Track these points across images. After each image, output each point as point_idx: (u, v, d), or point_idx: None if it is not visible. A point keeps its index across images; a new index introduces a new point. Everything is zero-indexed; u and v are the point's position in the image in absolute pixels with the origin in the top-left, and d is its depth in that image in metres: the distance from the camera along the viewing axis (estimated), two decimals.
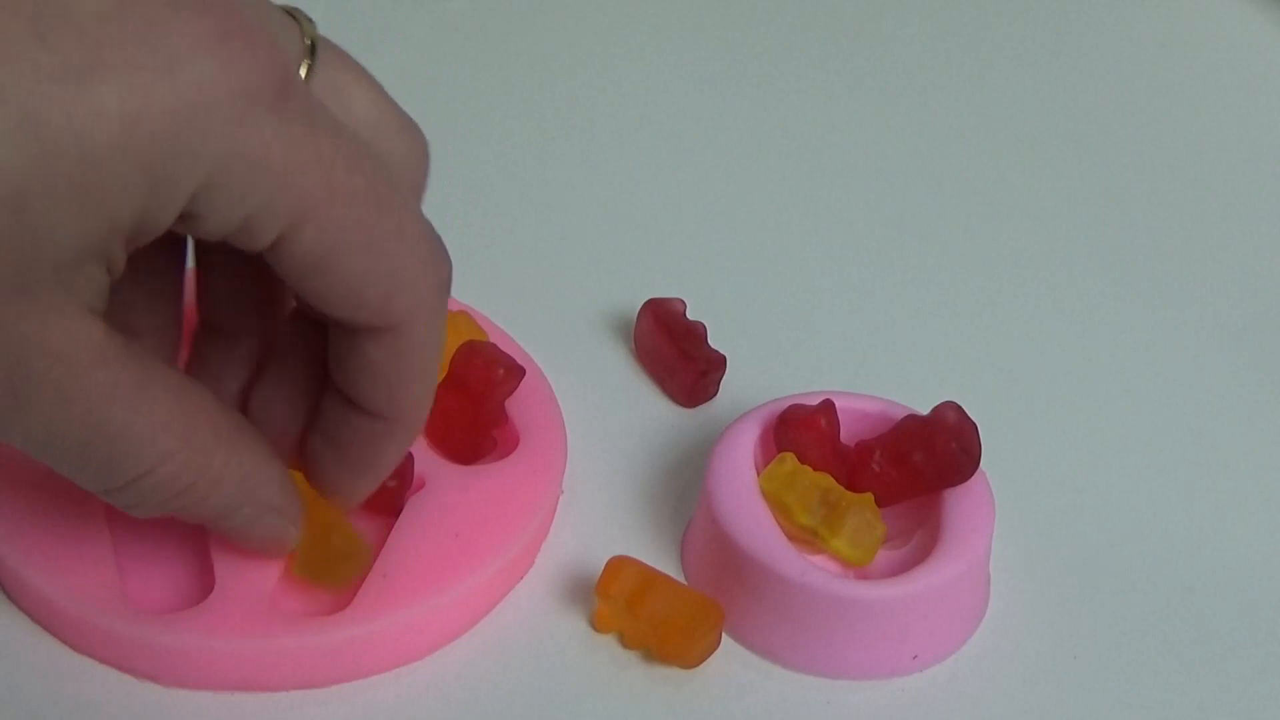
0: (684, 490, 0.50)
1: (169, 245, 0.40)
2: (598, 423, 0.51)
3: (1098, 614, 0.48)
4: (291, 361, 0.42)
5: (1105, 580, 0.49)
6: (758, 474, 0.47)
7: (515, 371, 0.48)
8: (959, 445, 0.46)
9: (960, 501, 0.46)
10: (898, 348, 0.55)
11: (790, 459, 0.46)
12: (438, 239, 0.39)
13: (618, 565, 0.45)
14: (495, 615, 0.46)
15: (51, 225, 0.33)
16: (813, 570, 0.45)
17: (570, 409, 0.50)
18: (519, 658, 0.45)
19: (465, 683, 0.44)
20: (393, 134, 0.41)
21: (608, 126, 0.64)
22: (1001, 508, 0.47)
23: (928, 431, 0.46)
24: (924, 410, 0.47)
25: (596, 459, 0.50)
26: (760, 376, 0.53)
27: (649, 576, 0.45)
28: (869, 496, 0.46)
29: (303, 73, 0.39)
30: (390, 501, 0.46)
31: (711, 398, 0.53)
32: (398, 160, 0.41)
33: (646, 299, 0.54)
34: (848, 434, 0.48)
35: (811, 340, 0.55)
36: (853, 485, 0.47)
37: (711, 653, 0.45)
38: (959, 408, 0.47)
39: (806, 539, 0.46)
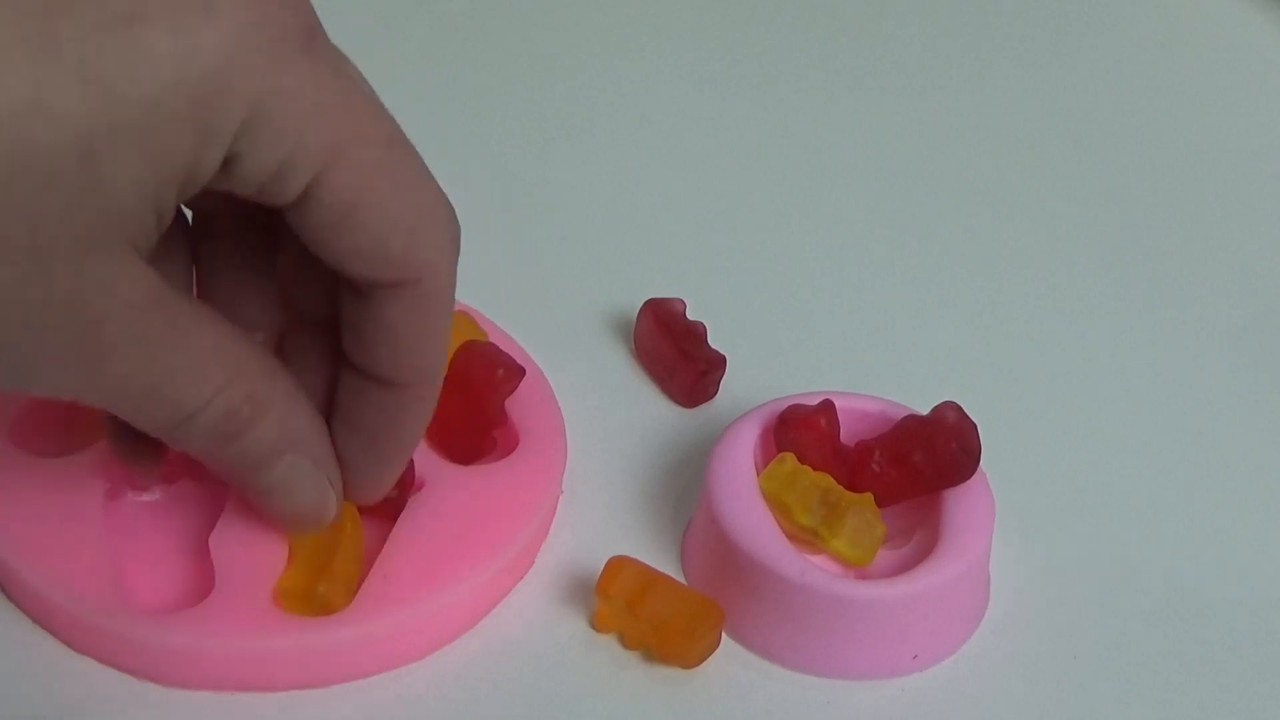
0: (684, 490, 0.50)
1: (249, 233, 0.41)
2: (598, 423, 0.51)
3: (1098, 614, 0.48)
4: (299, 366, 0.42)
5: (1105, 580, 0.49)
6: (758, 474, 0.47)
7: (515, 371, 0.48)
8: (959, 445, 0.46)
9: (960, 501, 0.46)
10: (898, 348, 0.55)
11: (790, 459, 0.46)
12: (446, 196, 0.40)
13: (618, 565, 0.45)
14: (495, 615, 0.46)
15: (116, 172, 0.34)
16: (813, 570, 0.45)
17: (570, 409, 0.50)
18: (519, 658, 0.45)
19: (465, 683, 0.44)
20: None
21: (608, 126, 0.64)
22: (1001, 508, 0.47)
23: (928, 431, 0.46)
24: (924, 410, 0.47)
25: (596, 459, 0.50)
26: (760, 376, 0.53)
27: (649, 576, 0.45)
28: (869, 496, 0.46)
29: None
30: (390, 506, 0.46)
31: (711, 398, 0.53)
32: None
33: (646, 299, 0.54)
34: (848, 434, 0.48)
35: (811, 340, 0.55)
36: (853, 485, 0.47)
37: (711, 653, 0.45)
38: (959, 408, 0.47)
39: (806, 539, 0.46)
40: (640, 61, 0.67)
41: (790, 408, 0.48)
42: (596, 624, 0.46)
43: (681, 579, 0.47)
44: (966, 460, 0.46)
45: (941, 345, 0.56)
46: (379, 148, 0.38)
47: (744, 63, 0.68)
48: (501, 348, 0.49)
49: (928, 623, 0.45)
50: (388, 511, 0.46)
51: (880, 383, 0.51)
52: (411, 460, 0.46)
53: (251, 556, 0.44)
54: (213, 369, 0.39)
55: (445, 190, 0.40)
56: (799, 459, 0.46)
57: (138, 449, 0.43)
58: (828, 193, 0.62)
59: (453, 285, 0.41)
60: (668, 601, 0.45)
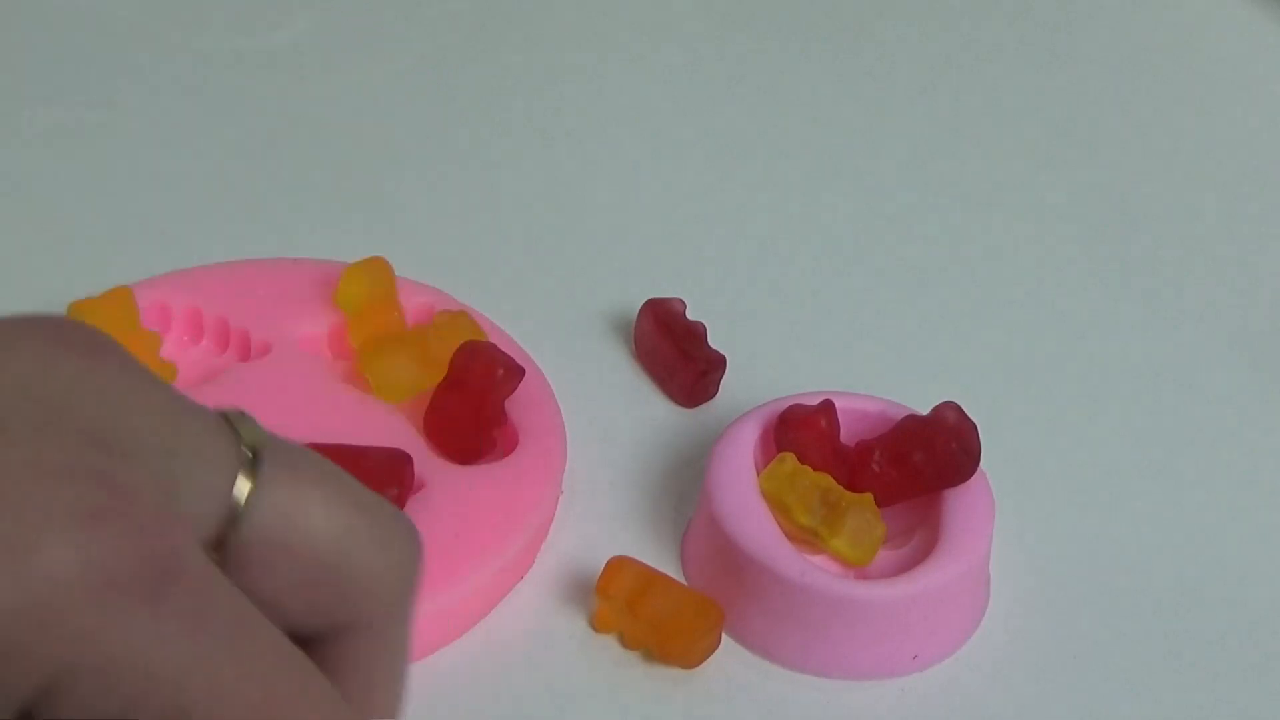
0: (684, 490, 0.50)
1: None
2: (598, 423, 0.51)
3: (1098, 614, 0.48)
4: None
5: (1105, 580, 0.49)
6: (758, 474, 0.47)
7: (515, 371, 0.48)
8: (959, 445, 0.46)
9: (960, 501, 0.46)
10: (898, 348, 0.55)
11: (790, 459, 0.46)
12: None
13: (618, 565, 0.45)
14: (495, 615, 0.46)
15: None
16: (813, 570, 0.45)
17: (570, 409, 0.50)
18: (519, 658, 0.45)
19: (465, 683, 0.44)
20: (365, 548, 0.34)
21: (608, 127, 0.64)
22: (1001, 508, 0.47)
23: (928, 431, 0.46)
24: (924, 410, 0.47)
25: (596, 459, 0.50)
26: (760, 376, 0.53)
27: (649, 576, 0.45)
28: (869, 496, 0.46)
29: (242, 495, 0.32)
30: None
31: (711, 398, 0.53)
32: (377, 576, 0.35)
33: (646, 299, 0.54)
34: (848, 434, 0.48)
35: (811, 340, 0.55)
36: (853, 485, 0.47)
37: (711, 653, 0.45)
38: (959, 408, 0.47)
39: (806, 539, 0.46)
40: (640, 62, 0.67)
41: (790, 408, 0.48)
42: (596, 624, 0.46)
43: (681, 579, 0.47)
44: (966, 460, 0.46)
45: (941, 345, 0.56)
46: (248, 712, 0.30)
47: (744, 63, 0.68)
48: (501, 348, 0.49)
49: (928, 623, 0.45)
50: None
51: (880, 383, 0.51)
52: (411, 461, 0.46)
53: None
54: None
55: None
56: (799, 459, 0.46)
57: None
58: (828, 193, 0.62)
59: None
60: (668, 601, 0.45)
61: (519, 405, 0.49)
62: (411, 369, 0.49)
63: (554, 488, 0.48)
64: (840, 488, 0.46)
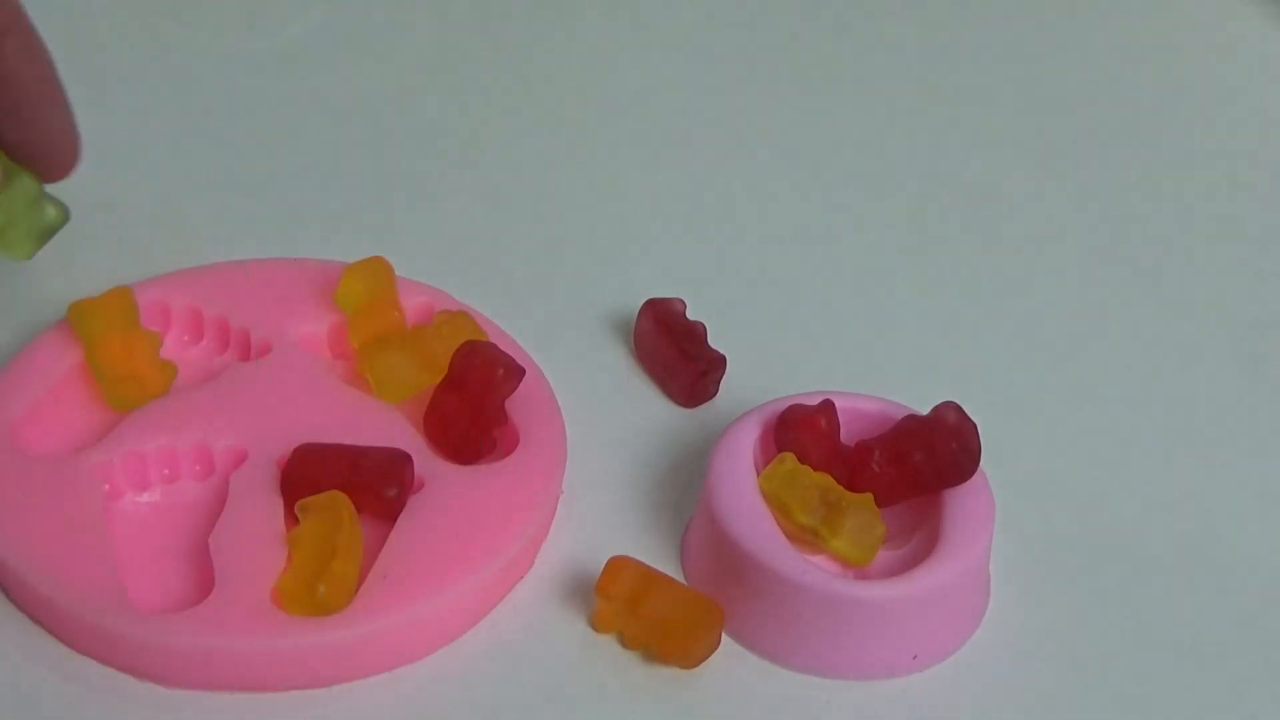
0: (684, 490, 0.50)
1: None
2: (598, 423, 0.51)
3: (1098, 614, 0.48)
4: None
5: (1105, 580, 0.49)
6: (758, 474, 0.47)
7: (515, 371, 0.48)
8: (959, 445, 0.46)
9: (960, 501, 0.46)
10: (898, 348, 0.55)
11: (790, 459, 0.46)
12: None
13: (618, 565, 0.45)
14: (495, 615, 0.46)
15: None
16: (813, 570, 0.45)
17: (570, 409, 0.50)
18: (519, 658, 0.45)
19: (465, 683, 0.44)
20: None
21: (608, 126, 0.64)
22: (1001, 508, 0.47)
23: (928, 431, 0.46)
24: (924, 410, 0.47)
25: (596, 459, 0.50)
26: (760, 376, 0.53)
27: (649, 576, 0.45)
28: (869, 496, 0.46)
29: None
30: (390, 506, 0.46)
31: (711, 398, 0.53)
32: None
33: (646, 299, 0.54)
34: (848, 434, 0.48)
35: (811, 340, 0.55)
36: (853, 485, 0.47)
37: (711, 653, 0.45)
38: (959, 408, 0.47)
39: (806, 539, 0.46)
40: (640, 62, 0.67)
41: (790, 408, 0.48)
42: (596, 624, 0.46)
43: (681, 579, 0.47)
44: (966, 460, 0.46)
45: (941, 345, 0.56)
46: None
47: (744, 63, 0.68)
48: (501, 348, 0.49)
49: (928, 623, 0.45)
50: (388, 511, 0.46)
51: (880, 383, 0.51)
52: (411, 461, 0.46)
53: (251, 556, 0.44)
54: None
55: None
56: (799, 459, 0.46)
57: None
58: (828, 193, 0.62)
59: None
60: (668, 601, 0.45)
61: (519, 405, 0.49)
62: (411, 369, 0.49)
63: (554, 488, 0.48)
64: (840, 488, 0.46)
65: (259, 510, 0.45)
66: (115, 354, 0.49)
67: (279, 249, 0.55)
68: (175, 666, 0.43)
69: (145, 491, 0.47)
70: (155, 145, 0.61)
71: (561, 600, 0.46)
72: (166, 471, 0.47)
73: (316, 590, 0.43)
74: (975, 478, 0.47)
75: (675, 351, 0.52)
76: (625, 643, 0.45)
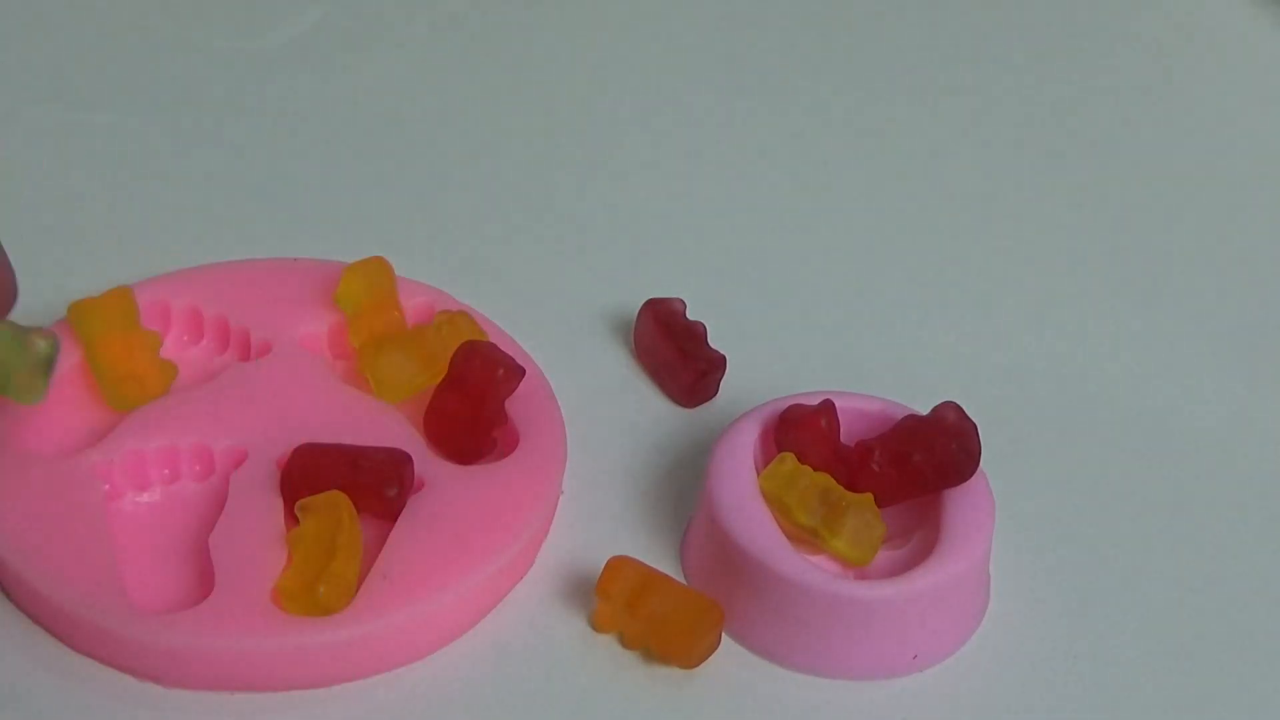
0: (684, 490, 0.50)
1: None
2: (598, 423, 0.51)
3: (1098, 614, 0.48)
4: None
5: (1105, 580, 0.49)
6: (758, 474, 0.47)
7: (515, 371, 0.48)
8: (959, 445, 0.46)
9: (960, 501, 0.46)
10: (898, 348, 0.55)
11: (790, 459, 0.46)
12: None
13: (618, 565, 0.45)
14: (495, 615, 0.46)
15: None
16: (813, 570, 0.45)
17: (570, 409, 0.50)
18: (519, 658, 0.45)
19: (465, 683, 0.44)
20: None
21: (608, 127, 0.64)
22: (1001, 508, 0.47)
23: (928, 431, 0.46)
24: (924, 410, 0.47)
25: (596, 459, 0.50)
26: (760, 376, 0.53)
27: (649, 576, 0.45)
28: (869, 496, 0.46)
29: None
30: (390, 506, 0.46)
31: (711, 398, 0.53)
32: None
33: (646, 299, 0.54)
34: (848, 434, 0.48)
35: (811, 340, 0.55)
36: (853, 485, 0.47)
37: (711, 653, 0.45)
38: (959, 408, 0.47)
39: (806, 539, 0.46)
40: (640, 62, 0.67)
41: (790, 408, 0.48)
42: (596, 624, 0.46)
43: (681, 579, 0.47)
44: (966, 460, 0.46)
45: (941, 345, 0.56)
46: None
47: (744, 63, 0.68)
48: (501, 348, 0.49)
49: (928, 623, 0.45)
50: (388, 511, 0.46)
51: (880, 383, 0.51)
52: (411, 461, 0.46)
53: (251, 556, 0.44)
54: None
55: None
56: (799, 459, 0.46)
57: None
58: (828, 193, 0.62)
59: None
60: (668, 601, 0.45)
61: (519, 405, 0.49)
62: (411, 369, 0.49)
63: (554, 488, 0.48)
64: (840, 488, 0.46)
65: (259, 510, 0.45)
66: (115, 354, 0.49)
67: (279, 249, 0.55)
68: (175, 666, 0.43)
69: (145, 491, 0.47)
70: (155, 145, 0.61)
71: (561, 600, 0.46)
72: (166, 471, 0.47)
73: (316, 590, 0.43)
74: (975, 478, 0.47)
75: (675, 351, 0.52)
76: (625, 643, 0.45)
